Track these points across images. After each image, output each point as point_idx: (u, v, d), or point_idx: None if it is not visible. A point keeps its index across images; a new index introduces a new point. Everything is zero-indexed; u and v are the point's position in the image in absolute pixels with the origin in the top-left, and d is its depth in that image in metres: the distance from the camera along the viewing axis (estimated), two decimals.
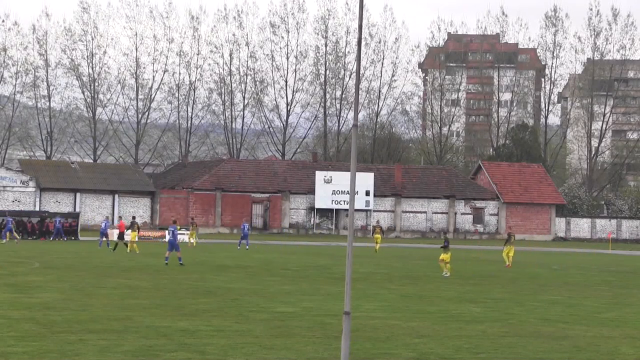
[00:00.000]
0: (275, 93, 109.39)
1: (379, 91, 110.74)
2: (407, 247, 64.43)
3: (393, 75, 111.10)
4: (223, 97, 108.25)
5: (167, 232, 39.94)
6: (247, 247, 55.74)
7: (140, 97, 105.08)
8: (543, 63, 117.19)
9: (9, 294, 24.15)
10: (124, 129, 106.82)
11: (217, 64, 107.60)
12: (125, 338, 16.71)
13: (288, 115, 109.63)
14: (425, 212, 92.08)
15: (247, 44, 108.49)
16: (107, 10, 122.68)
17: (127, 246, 48.99)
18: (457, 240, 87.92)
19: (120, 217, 60.45)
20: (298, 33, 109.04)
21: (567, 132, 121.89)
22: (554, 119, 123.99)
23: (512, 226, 75.50)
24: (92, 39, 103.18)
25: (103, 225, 54.59)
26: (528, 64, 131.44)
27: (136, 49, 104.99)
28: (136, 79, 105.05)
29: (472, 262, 47.63)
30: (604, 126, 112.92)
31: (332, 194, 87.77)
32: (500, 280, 34.84)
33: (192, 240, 60.33)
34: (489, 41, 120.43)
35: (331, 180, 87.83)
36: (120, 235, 51.13)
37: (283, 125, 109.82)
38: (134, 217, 53.77)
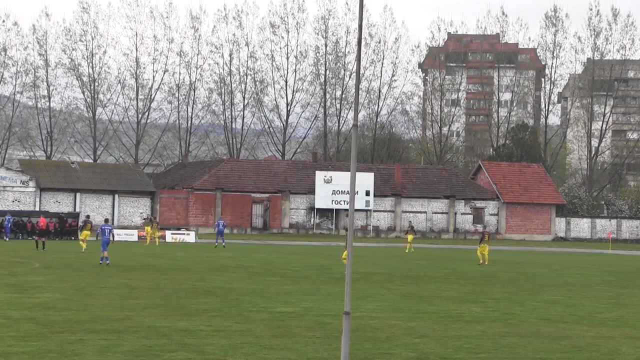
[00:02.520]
0: (275, 93, 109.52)
1: (379, 91, 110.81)
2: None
3: (393, 75, 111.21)
4: (223, 97, 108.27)
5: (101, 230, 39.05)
6: (223, 244, 55.98)
7: (140, 97, 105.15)
8: (543, 63, 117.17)
9: (9, 294, 24.14)
10: (124, 129, 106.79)
11: (217, 64, 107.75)
12: (125, 338, 16.71)
13: (288, 115, 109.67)
14: (425, 212, 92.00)
15: (247, 44, 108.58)
16: (107, 10, 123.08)
17: (37, 244, 48.02)
18: (457, 240, 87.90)
19: (41, 214, 58.82)
20: (298, 33, 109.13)
21: (567, 132, 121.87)
22: (554, 119, 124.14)
23: (486, 226, 75.58)
24: (92, 39, 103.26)
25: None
26: (528, 64, 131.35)
27: (136, 49, 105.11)
28: (136, 79, 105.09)
29: (472, 262, 47.61)
30: (604, 126, 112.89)
31: (332, 194, 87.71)
32: (500, 280, 34.83)
33: (154, 238, 59.86)
34: (489, 41, 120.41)
35: (331, 180, 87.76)
36: (41, 233, 50.54)
37: (283, 125, 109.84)
38: (87, 216, 53.09)
